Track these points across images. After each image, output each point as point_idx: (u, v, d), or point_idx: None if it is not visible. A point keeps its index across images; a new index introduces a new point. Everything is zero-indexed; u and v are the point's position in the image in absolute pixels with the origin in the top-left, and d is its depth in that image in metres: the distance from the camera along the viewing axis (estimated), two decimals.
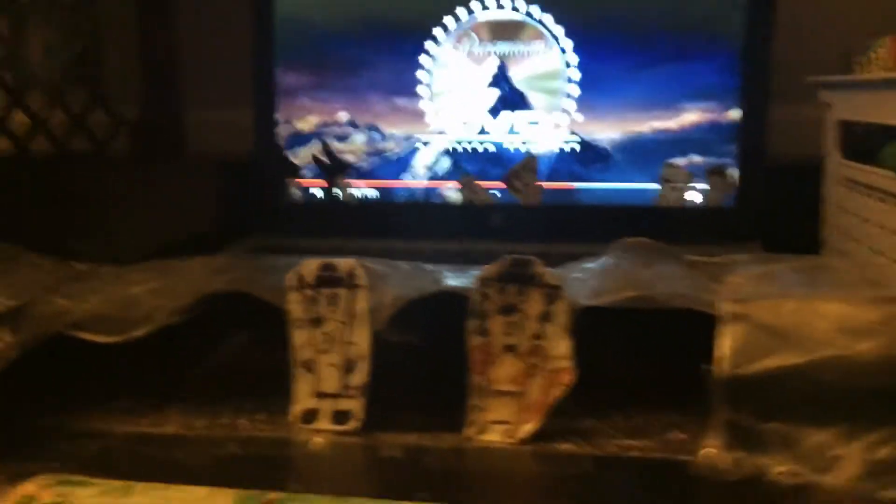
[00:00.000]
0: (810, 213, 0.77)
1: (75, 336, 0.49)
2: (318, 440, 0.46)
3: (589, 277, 0.50)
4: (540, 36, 0.84)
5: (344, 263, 0.47)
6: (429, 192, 0.88)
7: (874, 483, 0.40)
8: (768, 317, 0.41)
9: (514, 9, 0.83)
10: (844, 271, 0.48)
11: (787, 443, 0.41)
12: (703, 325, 0.44)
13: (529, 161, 0.85)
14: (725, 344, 0.42)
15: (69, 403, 0.51)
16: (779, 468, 0.41)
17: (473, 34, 0.85)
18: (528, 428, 0.46)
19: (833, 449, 0.40)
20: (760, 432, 0.42)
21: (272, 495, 0.40)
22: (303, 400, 0.48)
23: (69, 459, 0.44)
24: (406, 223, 0.87)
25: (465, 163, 0.87)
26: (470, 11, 0.84)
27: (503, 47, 0.85)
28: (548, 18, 0.83)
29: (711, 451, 0.42)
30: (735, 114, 0.81)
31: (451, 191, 0.87)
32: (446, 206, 0.88)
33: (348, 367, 0.48)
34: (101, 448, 0.46)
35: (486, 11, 0.84)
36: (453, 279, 0.52)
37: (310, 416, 0.48)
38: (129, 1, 0.97)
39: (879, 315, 0.40)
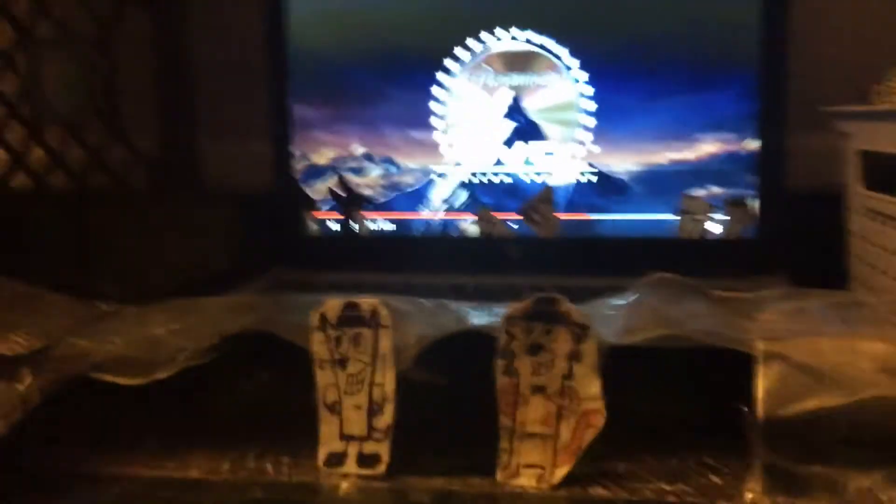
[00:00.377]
0: (834, 243, 0.76)
1: (98, 378, 0.48)
2: (345, 485, 0.45)
3: (617, 315, 0.49)
4: (553, 67, 0.83)
5: (367, 303, 0.47)
6: (446, 224, 0.88)
7: None
8: (806, 356, 0.41)
9: (528, 40, 0.83)
10: (877, 308, 0.47)
11: (830, 487, 0.40)
12: (735, 364, 0.43)
13: (546, 193, 0.84)
14: (762, 384, 0.41)
15: (92, 447, 0.50)
16: None
17: (487, 66, 0.85)
18: (560, 472, 0.45)
19: (879, 494, 0.39)
20: (802, 476, 0.40)
21: None
22: (329, 443, 0.47)
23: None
24: (423, 256, 0.86)
25: (481, 195, 0.87)
26: (483, 43, 0.84)
27: (517, 79, 0.85)
28: (562, 50, 0.83)
29: (752, 495, 0.41)
30: (753, 144, 0.81)
31: (468, 223, 0.87)
32: (463, 239, 0.87)
33: (374, 409, 0.47)
34: (124, 492, 0.46)
35: (499, 43, 0.84)
36: (477, 317, 0.51)
37: (336, 459, 0.47)
38: (146, 35, 0.98)
39: None
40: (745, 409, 0.41)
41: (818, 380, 0.40)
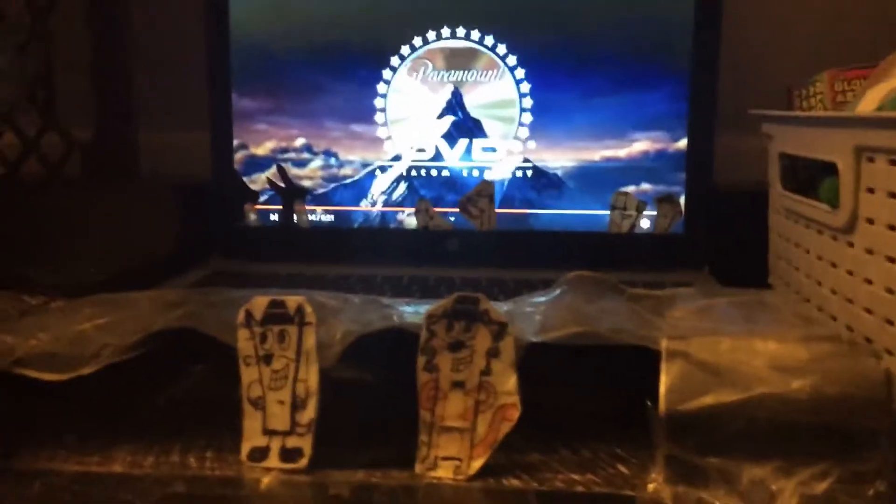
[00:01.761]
0: (759, 240, 0.79)
1: (21, 374, 0.48)
2: (267, 479, 0.47)
3: (535, 312, 0.51)
4: (494, 64, 0.85)
5: (292, 300, 0.48)
6: (385, 217, 0.89)
7: None
8: (706, 354, 0.43)
9: (468, 37, 0.85)
10: (780, 308, 0.50)
11: (726, 478, 0.42)
12: (646, 360, 0.46)
13: (485, 187, 0.86)
14: (665, 380, 0.43)
15: (13, 443, 0.50)
16: (719, 503, 0.43)
17: (428, 61, 0.86)
18: (476, 464, 0.47)
19: (771, 484, 0.42)
20: (701, 467, 0.43)
21: None
22: (252, 437, 0.48)
23: (12, 500, 0.44)
24: (362, 248, 0.87)
25: (421, 188, 0.88)
26: (425, 40, 0.85)
27: (458, 75, 0.86)
28: (501, 47, 0.84)
29: (654, 485, 0.43)
30: (683, 143, 0.84)
31: (407, 216, 0.88)
32: (402, 232, 0.88)
33: (297, 405, 0.48)
34: (46, 488, 0.46)
35: (440, 40, 0.85)
36: (406, 314, 0.52)
37: (259, 453, 0.48)
38: (83, 23, 0.96)
39: (810, 354, 0.42)
40: (650, 403, 0.43)
41: (716, 376, 0.42)
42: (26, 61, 0.92)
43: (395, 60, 0.86)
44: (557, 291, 0.54)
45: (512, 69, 0.85)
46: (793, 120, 0.69)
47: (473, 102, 0.86)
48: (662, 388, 0.43)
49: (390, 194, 0.89)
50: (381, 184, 0.88)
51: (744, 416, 0.42)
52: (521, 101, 0.85)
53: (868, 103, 0.59)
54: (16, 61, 0.92)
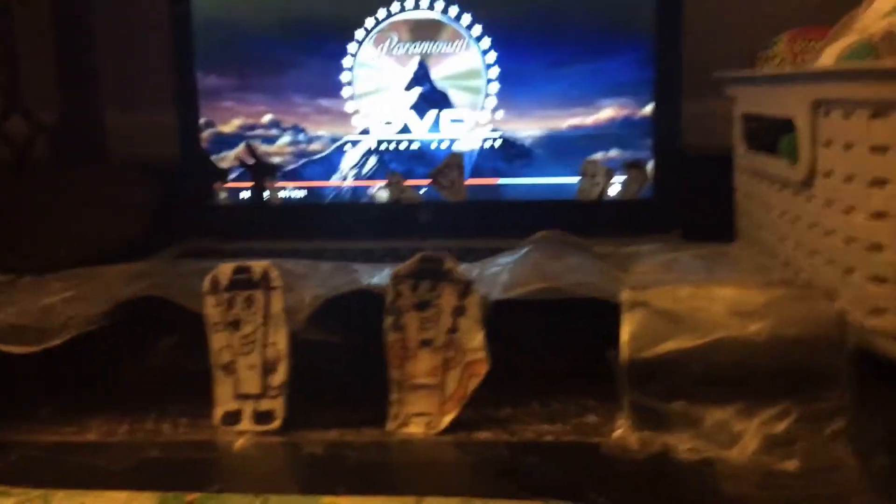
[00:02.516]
0: (726, 202, 0.80)
1: None
2: (241, 441, 0.47)
3: (502, 271, 0.52)
4: (459, 35, 0.85)
5: (258, 266, 0.48)
6: (356, 191, 0.89)
7: (772, 456, 0.42)
8: (665, 302, 0.44)
9: (431, 8, 0.85)
10: (741, 258, 0.51)
11: (690, 421, 0.43)
12: (610, 313, 0.46)
13: (454, 158, 0.86)
14: (626, 330, 0.44)
15: None
16: (684, 446, 0.44)
17: (393, 34, 0.86)
18: (447, 419, 0.47)
19: (733, 426, 0.43)
20: (665, 412, 0.44)
21: (192, 496, 0.41)
22: (224, 402, 0.49)
23: None
24: (334, 223, 0.88)
25: (391, 162, 0.88)
26: (389, 12, 0.85)
27: (424, 47, 0.86)
28: (465, 18, 0.84)
29: (621, 432, 0.44)
30: (650, 109, 0.84)
31: (379, 190, 0.88)
32: (374, 206, 0.89)
33: (268, 368, 0.48)
34: (21, 458, 0.46)
35: (404, 12, 0.85)
36: (372, 278, 0.53)
37: (232, 417, 0.48)
38: (45, 4, 0.95)
39: (766, 298, 0.43)
40: (613, 352, 0.44)
41: (677, 324, 0.43)
42: None
43: (359, 33, 0.86)
44: (524, 251, 0.55)
45: (477, 39, 0.85)
46: (753, 79, 0.70)
47: (440, 73, 0.86)
48: (624, 337, 0.44)
49: (360, 168, 0.89)
50: (350, 158, 0.89)
51: (704, 361, 0.43)
52: (487, 72, 0.85)
53: (826, 59, 0.60)
54: None
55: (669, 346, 0.43)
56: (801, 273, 0.57)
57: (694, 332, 0.42)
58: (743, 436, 0.43)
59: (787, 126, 0.61)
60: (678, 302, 0.43)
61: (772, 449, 0.42)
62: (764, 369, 0.42)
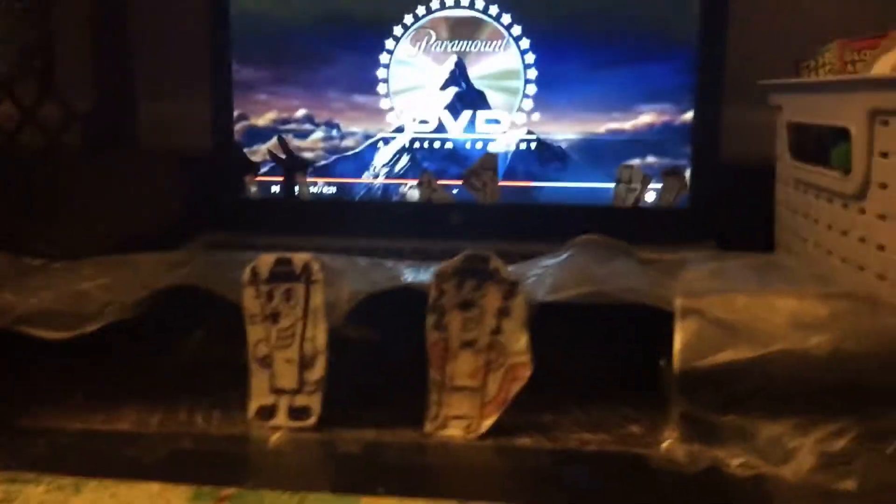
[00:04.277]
0: (764, 214, 0.78)
1: (23, 332, 0.47)
2: (276, 437, 0.46)
3: (546, 274, 0.50)
4: (498, 35, 0.84)
5: (299, 258, 0.47)
6: (387, 189, 0.88)
7: (828, 475, 0.41)
8: (721, 312, 0.42)
9: (472, 6, 0.84)
10: (795, 268, 0.49)
11: (743, 436, 0.42)
12: (658, 321, 0.45)
13: (488, 159, 0.85)
14: (680, 338, 0.42)
15: (20, 401, 0.50)
16: (735, 461, 0.42)
17: (432, 31, 0.85)
18: (487, 423, 0.46)
19: (788, 441, 0.41)
20: (717, 425, 0.42)
21: (227, 491, 0.40)
22: (260, 396, 0.48)
23: (18, 457, 0.43)
24: (364, 221, 0.87)
25: (424, 161, 0.87)
26: (429, 9, 0.84)
27: (462, 45, 0.85)
28: (505, 17, 0.83)
29: (669, 444, 0.43)
30: (690, 116, 0.83)
31: (410, 189, 0.87)
32: (405, 204, 0.88)
33: (305, 363, 0.47)
34: (52, 445, 0.45)
35: (444, 9, 0.84)
36: (411, 275, 0.52)
37: (267, 412, 0.47)
38: None
39: (829, 310, 0.41)
40: (664, 362, 0.42)
41: (732, 334, 0.41)
42: (24, 30, 0.91)
43: (397, 30, 0.85)
44: (566, 254, 0.54)
45: (517, 39, 0.84)
46: (804, 87, 0.69)
47: (477, 73, 0.85)
48: (677, 345, 0.42)
49: (393, 166, 0.88)
50: (383, 156, 0.88)
51: (761, 374, 0.41)
52: (525, 73, 0.84)
53: (881, 68, 0.58)
54: (13, 29, 0.90)
55: (724, 356, 0.41)
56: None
57: (751, 343, 0.41)
58: (798, 453, 0.41)
59: (837, 136, 0.59)
60: (735, 311, 0.42)
61: (828, 467, 0.41)
62: (823, 384, 0.41)
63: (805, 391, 0.40)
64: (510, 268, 0.48)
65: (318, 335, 0.47)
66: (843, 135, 0.58)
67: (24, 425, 0.47)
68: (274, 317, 0.47)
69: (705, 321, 0.42)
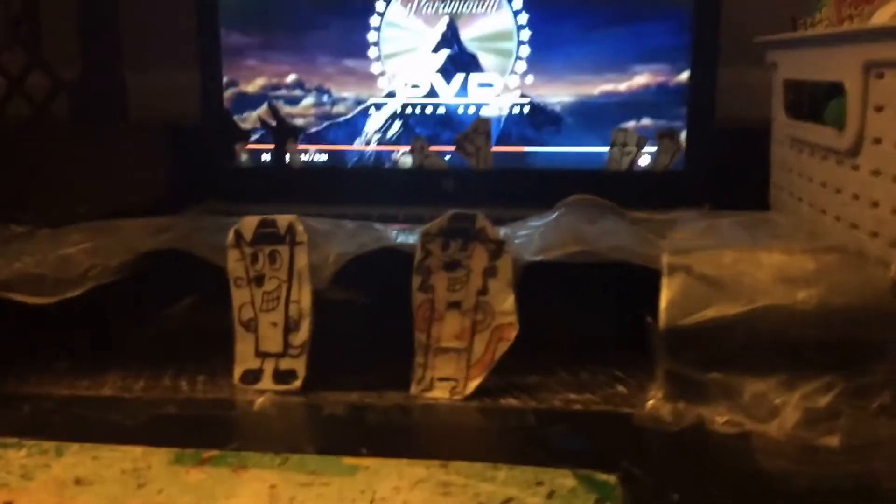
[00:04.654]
0: (759, 175, 0.77)
1: (5, 297, 0.47)
2: (261, 400, 0.46)
3: (534, 234, 0.50)
4: None
5: (283, 219, 0.46)
6: (379, 156, 0.87)
7: (813, 431, 0.40)
8: (708, 268, 0.42)
9: None
10: (785, 225, 0.48)
11: (728, 393, 0.41)
12: (646, 280, 0.44)
13: (481, 124, 0.84)
14: (666, 295, 0.42)
15: (3, 367, 0.49)
16: (720, 418, 0.42)
17: None
18: (473, 384, 0.46)
19: (773, 398, 0.41)
20: (702, 383, 0.42)
21: (209, 453, 0.39)
22: (245, 360, 0.47)
23: (1, 422, 0.43)
24: (356, 188, 0.86)
25: (416, 126, 0.86)
26: None
27: (453, 6, 0.83)
28: None
29: (653, 401, 0.43)
30: (685, 76, 0.82)
31: (402, 155, 0.86)
32: (397, 171, 0.87)
33: (291, 326, 0.47)
34: (35, 411, 0.45)
35: None
36: (398, 236, 0.51)
37: (252, 376, 0.47)
38: None
39: (816, 265, 0.40)
40: (650, 319, 0.42)
41: (718, 290, 0.41)
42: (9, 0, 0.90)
43: None
44: (556, 214, 0.53)
45: (509, 0, 0.82)
46: (799, 42, 0.67)
47: (470, 35, 0.83)
48: (663, 303, 0.42)
49: (384, 132, 0.87)
50: (375, 122, 0.86)
51: (746, 330, 0.40)
52: (518, 34, 0.83)
53: (879, 19, 0.57)
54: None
55: (710, 313, 0.41)
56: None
57: (737, 299, 0.40)
58: (783, 409, 0.41)
59: (831, 92, 0.58)
60: (721, 267, 0.41)
61: (813, 424, 0.40)
62: (810, 340, 0.40)
63: (790, 347, 0.40)
64: (498, 229, 0.47)
65: (303, 298, 0.47)
66: (837, 90, 0.57)
67: (8, 391, 0.47)
68: (258, 280, 0.47)
69: (691, 278, 0.41)
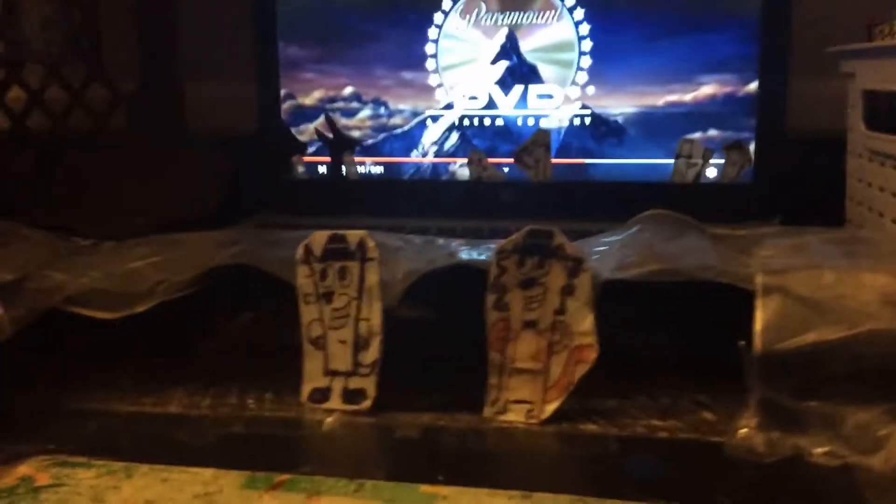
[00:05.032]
0: (832, 188, 0.74)
1: (73, 312, 0.46)
2: (330, 420, 0.44)
3: (611, 250, 0.48)
4: (551, 5, 0.81)
5: (354, 235, 0.45)
6: (437, 168, 0.86)
7: None
8: (806, 289, 0.39)
9: None
10: (881, 243, 0.46)
11: (827, 422, 0.39)
12: (732, 300, 0.42)
13: (540, 136, 0.82)
14: (760, 318, 0.39)
15: (68, 382, 0.49)
16: (819, 449, 0.39)
17: (482, 3, 0.82)
18: (550, 408, 0.44)
19: (877, 429, 0.38)
20: (799, 411, 0.39)
21: (282, 477, 0.38)
22: (313, 378, 0.46)
23: (67, 440, 0.42)
24: (414, 201, 0.84)
25: (474, 138, 0.85)
26: None
27: (513, 17, 0.82)
28: None
29: (746, 431, 0.40)
30: (752, 86, 0.79)
31: (460, 167, 0.85)
32: (455, 184, 0.85)
33: (360, 344, 0.45)
34: (101, 428, 0.44)
35: None
36: (468, 253, 0.49)
37: (320, 394, 0.46)
38: None
39: None
40: (743, 343, 0.40)
41: (818, 312, 0.38)
42: (72, 11, 0.90)
43: (446, 3, 0.82)
44: (632, 230, 0.51)
45: (570, 10, 0.80)
46: (881, 52, 0.65)
47: (529, 46, 0.82)
48: (758, 326, 0.39)
49: (442, 145, 0.85)
50: (432, 134, 0.85)
51: (849, 356, 0.38)
52: (579, 44, 0.81)
53: None
54: (62, 10, 0.90)
55: (810, 337, 0.38)
56: None
57: (839, 323, 0.38)
58: (888, 441, 0.38)
59: None
60: (821, 289, 0.39)
61: None
62: None
63: None
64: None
65: (374, 315, 0.45)
66: None
67: (74, 407, 0.46)
68: (327, 296, 0.46)
69: (788, 299, 0.39)
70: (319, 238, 0.46)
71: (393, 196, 0.86)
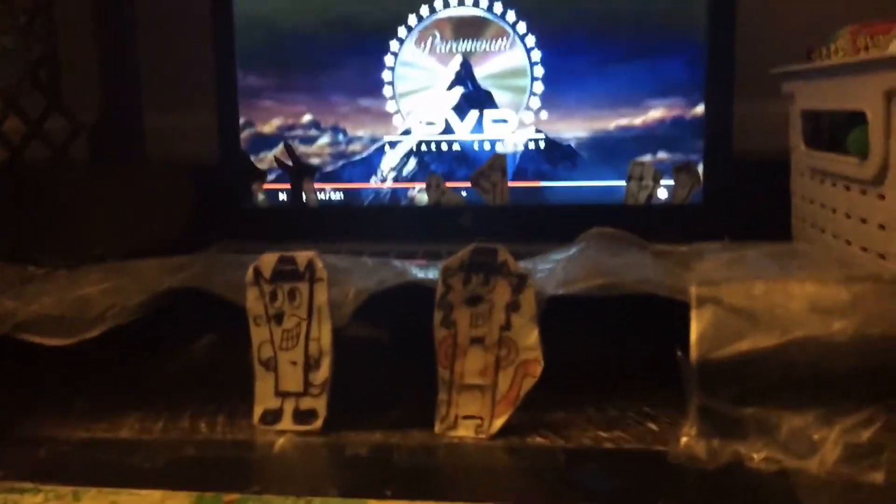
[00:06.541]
0: (779, 208, 0.76)
1: (23, 339, 0.46)
2: (281, 441, 0.45)
3: (556, 267, 0.49)
4: (503, 33, 0.83)
5: (302, 256, 0.46)
6: (396, 193, 0.87)
7: (856, 467, 0.39)
8: (739, 299, 0.41)
9: (476, 5, 0.83)
10: (813, 255, 0.47)
11: (764, 428, 0.40)
12: (673, 312, 0.43)
13: (497, 160, 0.84)
14: (696, 328, 0.41)
15: (19, 409, 0.49)
16: (758, 455, 0.40)
17: (436, 32, 0.84)
18: (498, 422, 0.45)
19: (812, 433, 0.39)
20: (737, 418, 0.41)
21: (230, 497, 0.38)
22: (264, 400, 0.46)
23: (17, 466, 0.42)
24: (373, 226, 0.85)
25: (431, 163, 0.86)
26: (432, 9, 0.83)
27: (467, 45, 0.84)
28: (511, 15, 0.82)
29: (687, 439, 0.41)
30: (700, 109, 0.81)
31: (419, 192, 0.86)
32: (413, 208, 0.86)
33: (311, 364, 0.46)
34: (52, 454, 0.44)
35: (448, 9, 0.83)
36: (418, 273, 0.50)
37: (272, 416, 0.46)
38: (86, 5, 0.95)
39: (852, 294, 0.39)
40: (680, 353, 0.41)
41: (751, 322, 0.40)
42: (30, 43, 0.91)
43: (402, 31, 0.84)
44: (578, 247, 0.52)
45: (522, 37, 0.82)
46: (818, 72, 0.67)
47: (483, 73, 0.84)
48: (693, 336, 0.40)
49: (400, 170, 0.87)
50: (390, 159, 0.86)
51: (782, 363, 0.39)
52: (532, 70, 0.83)
53: None
54: (19, 43, 0.90)
55: (743, 345, 0.39)
56: None
57: (770, 331, 0.39)
58: (823, 445, 0.39)
59: (852, 121, 0.57)
60: (753, 299, 0.40)
61: (855, 459, 0.39)
62: (847, 372, 0.39)
63: (828, 380, 0.39)
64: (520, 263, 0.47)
65: (323, 335, 0.46)
66: (858, 119, 0.57)
67: (25, 434, 0.46)
68: (278, 317, 0.46)
69: (722, 309, 0.40)
70: (269, 260, 0.46)
71: (353, 221, 0.86)
